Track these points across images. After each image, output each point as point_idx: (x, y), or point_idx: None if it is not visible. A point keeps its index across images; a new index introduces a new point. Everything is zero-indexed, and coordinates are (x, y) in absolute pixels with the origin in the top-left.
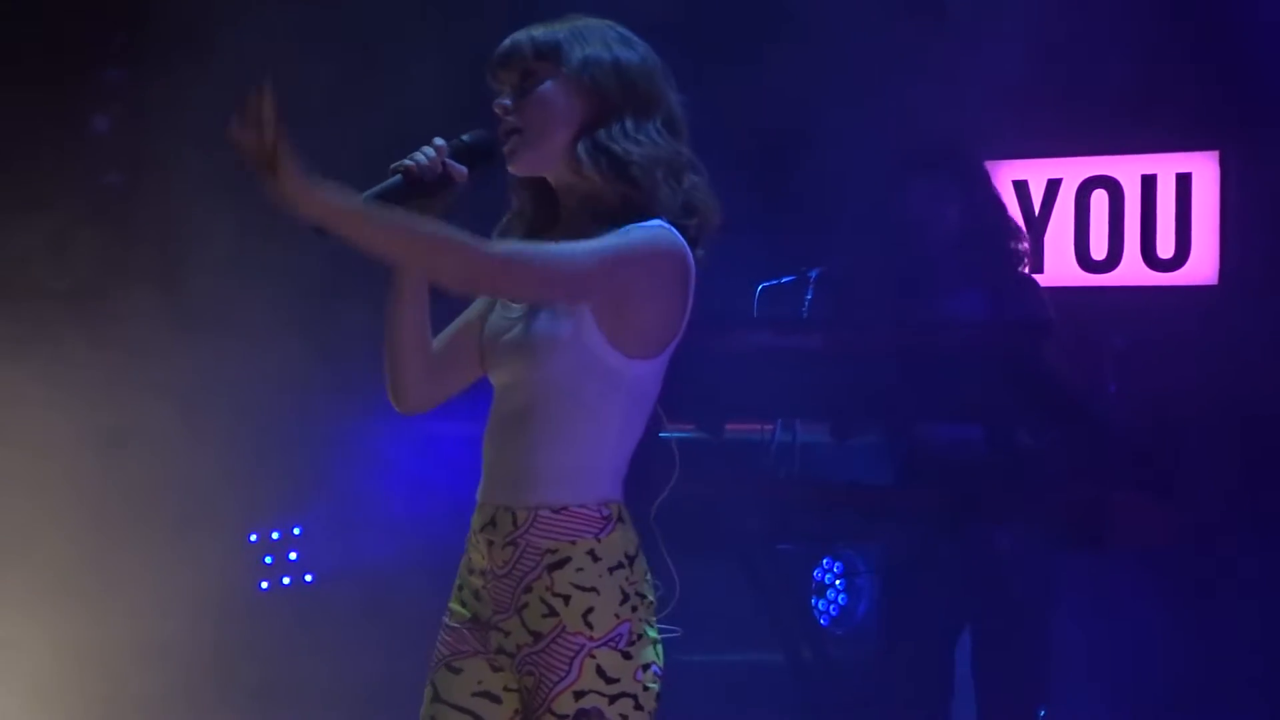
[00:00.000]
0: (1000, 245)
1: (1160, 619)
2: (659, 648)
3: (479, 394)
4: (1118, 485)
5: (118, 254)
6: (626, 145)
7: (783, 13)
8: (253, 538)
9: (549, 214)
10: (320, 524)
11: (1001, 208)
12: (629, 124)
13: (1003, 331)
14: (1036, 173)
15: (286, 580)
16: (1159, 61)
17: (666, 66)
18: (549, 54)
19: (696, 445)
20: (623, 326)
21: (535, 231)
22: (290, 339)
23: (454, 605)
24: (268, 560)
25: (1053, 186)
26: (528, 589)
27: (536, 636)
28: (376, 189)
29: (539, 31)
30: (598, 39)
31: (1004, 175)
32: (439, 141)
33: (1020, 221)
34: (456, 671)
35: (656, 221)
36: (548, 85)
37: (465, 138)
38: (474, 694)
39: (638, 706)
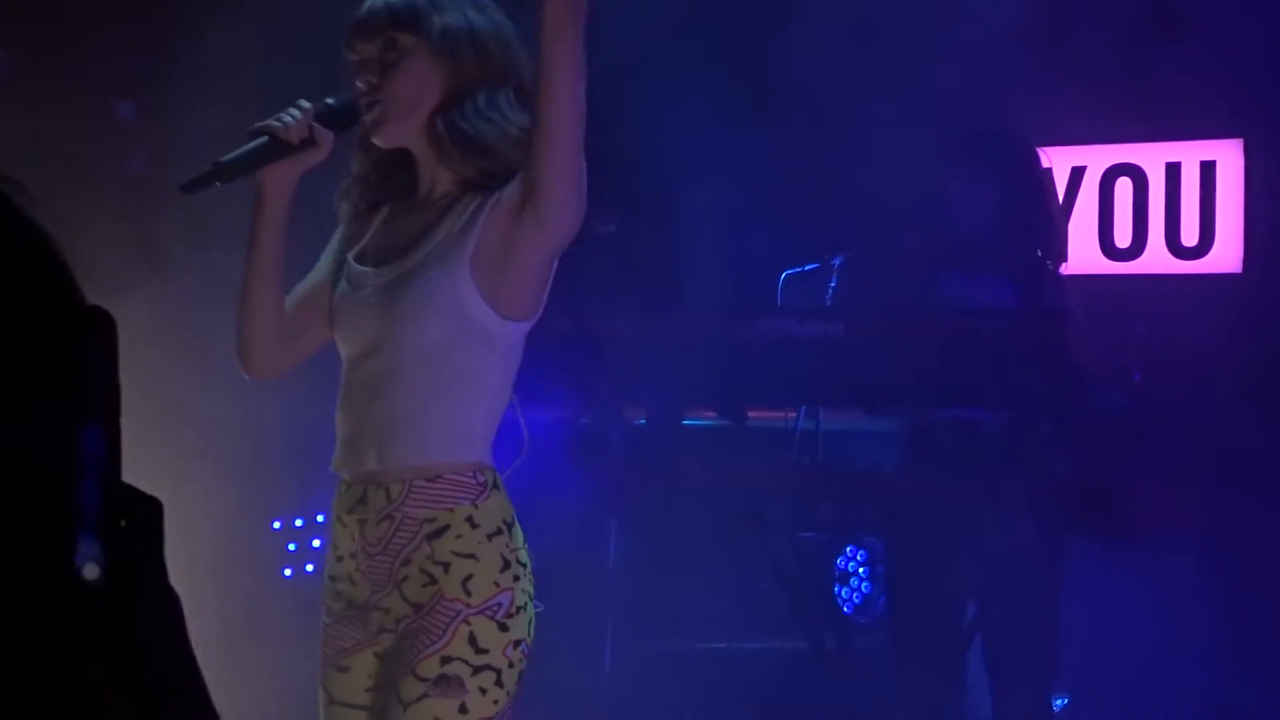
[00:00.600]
0: (1028, 237)
1: (1182, 606)
2: (533, 625)
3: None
4: (1140, 473)
5: (143, 241)
6: (478, 124)
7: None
8: (276, 524)
9: (396, 180)
10: None
11: (1040, 192)
12: (482, 98)
13: (1025, 320)
14: (1060, 160)
15: (310, 567)
16: (1183, 48)
17: (516, 31)
18: (408, 23)
19: (720, 433)
20: (500, 285)
21: (379, 196)
22: None
23: (328, 601)
24: (291, 547)
25: (1076, 174)
26: (406, 561)
27: (417, 607)
28: (240, 150)
29: (392, 2)
30: (455, 6)
31: None
32: (305, 104)
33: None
34: (345, 670)
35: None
36: (408, 55)
37: (330, 101)
38: (367, 689)
39: (499, 683)
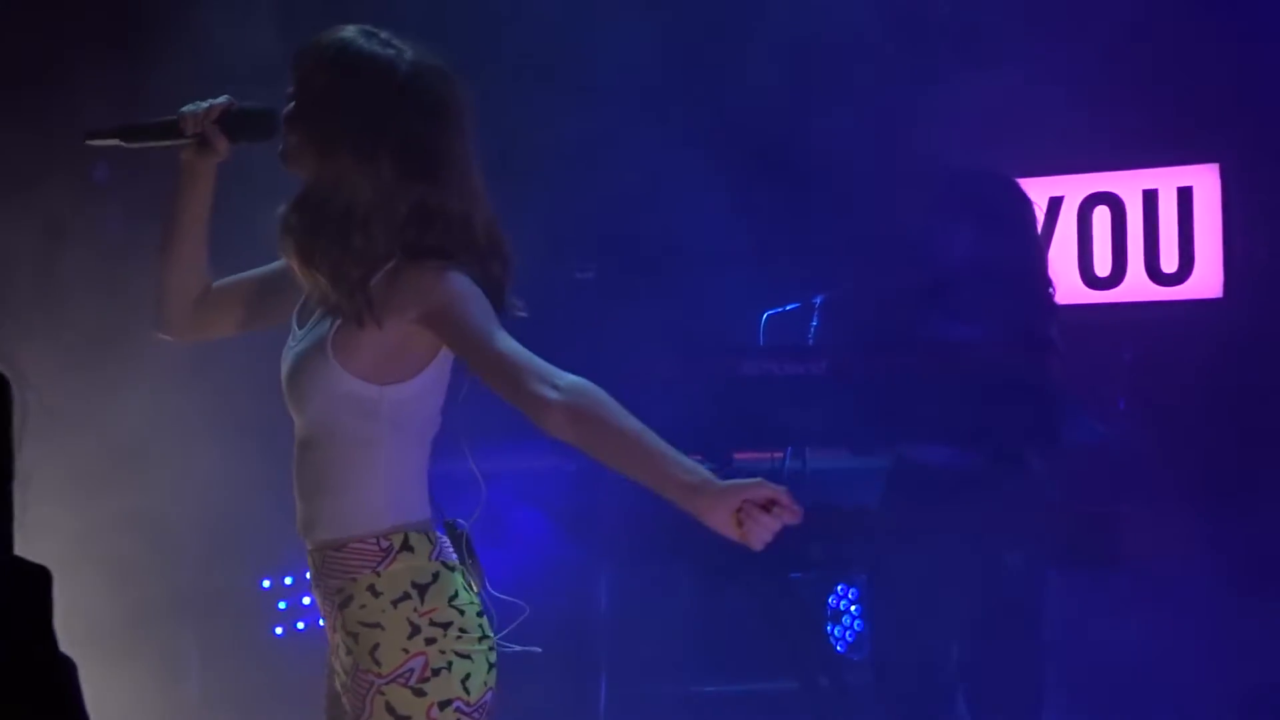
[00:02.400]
0: (1013, 266)
1: (1166, 633)
2: (483, 675)
3: (494, 434)
4: (1125, 501)
5: (122, 306)
6: (355, 178)
7: (785, 37)
8: (266, 583)
9: None
10: None
11: (1022, 228)
12: (355, 151)
13: (1006, 352)
14: (1038, 191)
15: (301, 625)
16: (1156, 75)
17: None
18: (309, 73)
19: None
20: (372, 361)
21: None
22: None
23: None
24: (281, 606)
25: (1054, 204)
26: (334, 629)
27: (348, 674)
28: (149, 120)
29: (307, 45)
30: (355, 65)
31: None
32: (223, 99)
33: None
34: None
35: (407, 266)
36: (302, 104)
37: (247, 105)
38: None
39: None
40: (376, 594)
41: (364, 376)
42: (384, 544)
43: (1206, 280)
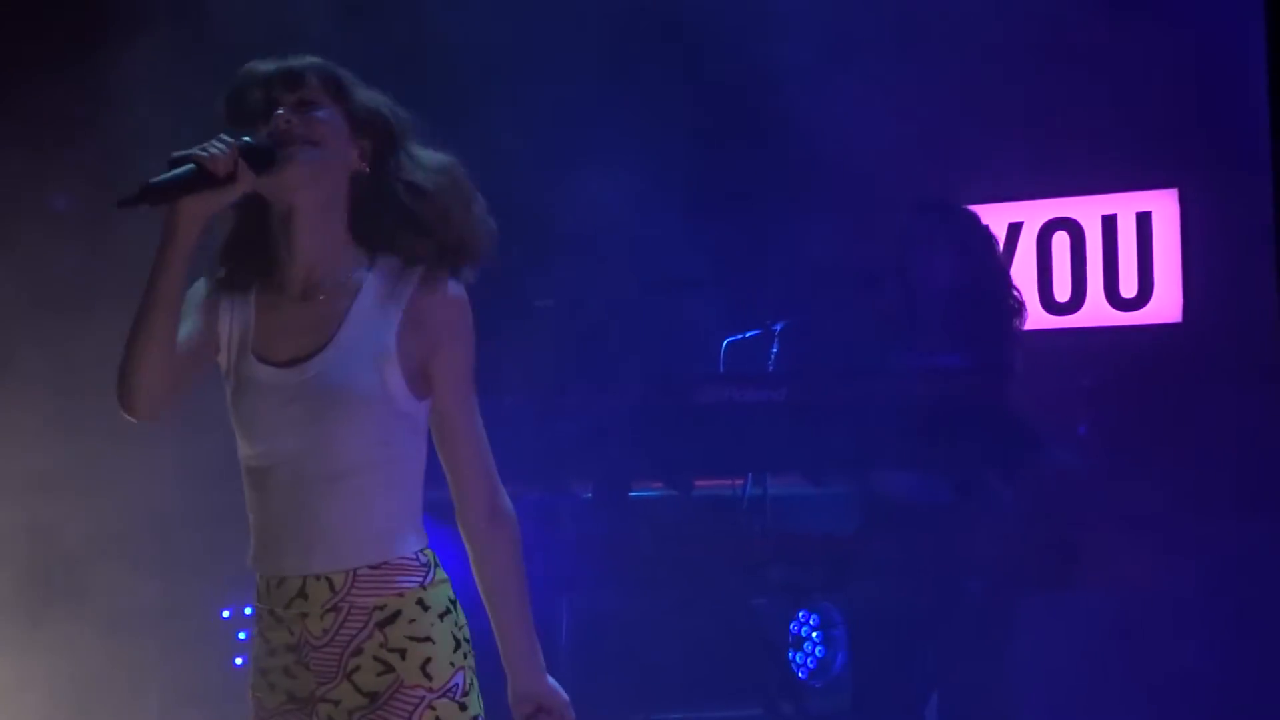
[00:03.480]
0: (985, 298)
1: (1131, 656)
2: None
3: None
4: (1087, 526)
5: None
6: (385, 200)
7: (745, 63)
8: (225, 614)
9: (259, 258)
10: None
11: (990, 262)
12: (391, 176)
13: (966, 379)
14: (997, 217)
15: None
16: (1115, 101)
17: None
18: (334, 87)
19: (667, 503)
20: (419, 373)
21: (247, 271)
22: None
23: (258, 694)
24: (241, 636)
25: (1014, 230)
26: (357, 651)
27: (373, 697)
28: (168, 175)
29: (320, 62)
30: (364, 85)
31: None
32: (228, 138)
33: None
34: None
35: (457, 288)
36: (332, 112)
37: (249, 139)
38: None
39: None
40: (425, 608)
41: (414, 393)
42: (422, 559)
43: (1166, 305)
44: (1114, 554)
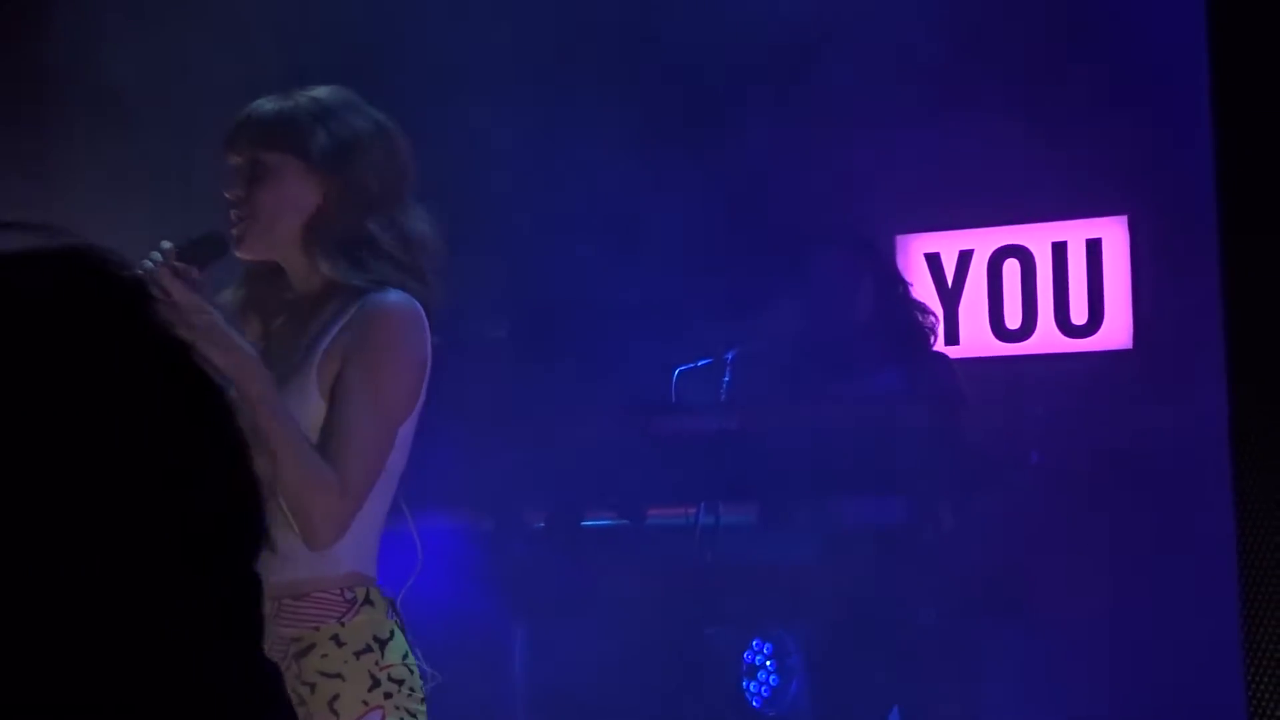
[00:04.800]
0: (911, 321)
1: (1087, 684)
2: None
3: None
4: (1040, 553)
5: None
6: (349, 242)
7: (698, 91)
8: None
9: (275, 291)
10: None
11: (907, 285)
12: (357, 215)
13: (918, 407)
14: (948, 245)
15: None
16: (1064, 128)
17: (399, 135)
18: (279, 139)
19: (620, 533)
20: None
21: (263, 307)
22: None
23: None
24: None
25: (964, 258)
26: None
27: None
28: None
29: (272, 110)
30: (335, 118)
31: (915, 248)
32: (166, 245)
33: (927, 299)
34: None
35: (396, 294)
36: (280, 171)
37: (193, 237)
38: None
39: None
40: (340, 644)
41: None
42: (348, 595)
43: (1116, 332)
44: (1063, 582)
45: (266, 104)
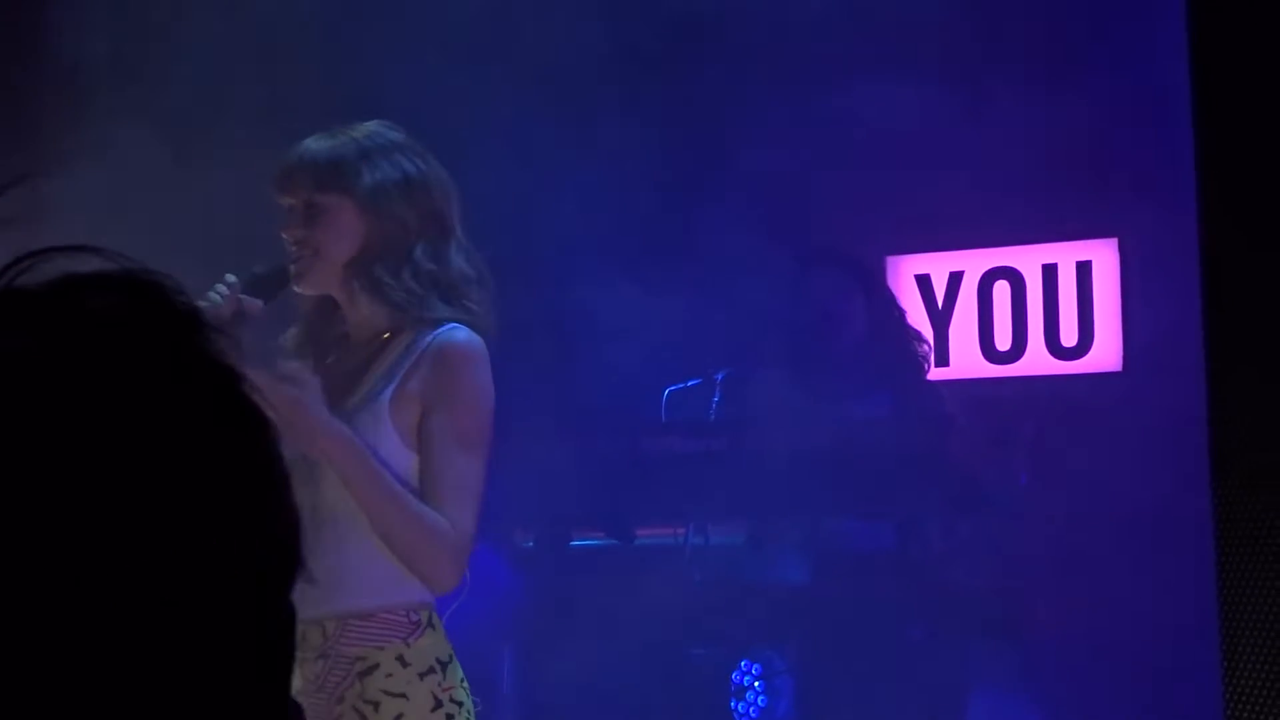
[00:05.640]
0: (903, 345)
1: (1075, 704)
2: None
3: None
4: (1030, 574)
5: None
6: (401, 276)
7: (688, 113)
8: None
9: (336, 322)
10: None
11: (901, 310)
12: (420, 249)
13: (907, 428)
14: (938, 266)
15: None
16: (1055, 151)
17: (445, 173)
18: (330, 181)
19: (609, 552)
20: (412, 428)
21: (323, 336)
22: None
23: None
24: None
25: (955, 279)
26: (339, 699)
27: None
28: None
29: (323, 151)
30: (387, 158)
31: (905, 269)
32: (230, 279)
33: (917, 320)
34: None
35: (462, 332)
36: (333, 209)
37: (257, 269)
38: None
39: None
40: (405, 664)
41: (412, 448)
42: (413, 617)
43: (1106, 354)
44: (1055, 601)
45: (316, 145)
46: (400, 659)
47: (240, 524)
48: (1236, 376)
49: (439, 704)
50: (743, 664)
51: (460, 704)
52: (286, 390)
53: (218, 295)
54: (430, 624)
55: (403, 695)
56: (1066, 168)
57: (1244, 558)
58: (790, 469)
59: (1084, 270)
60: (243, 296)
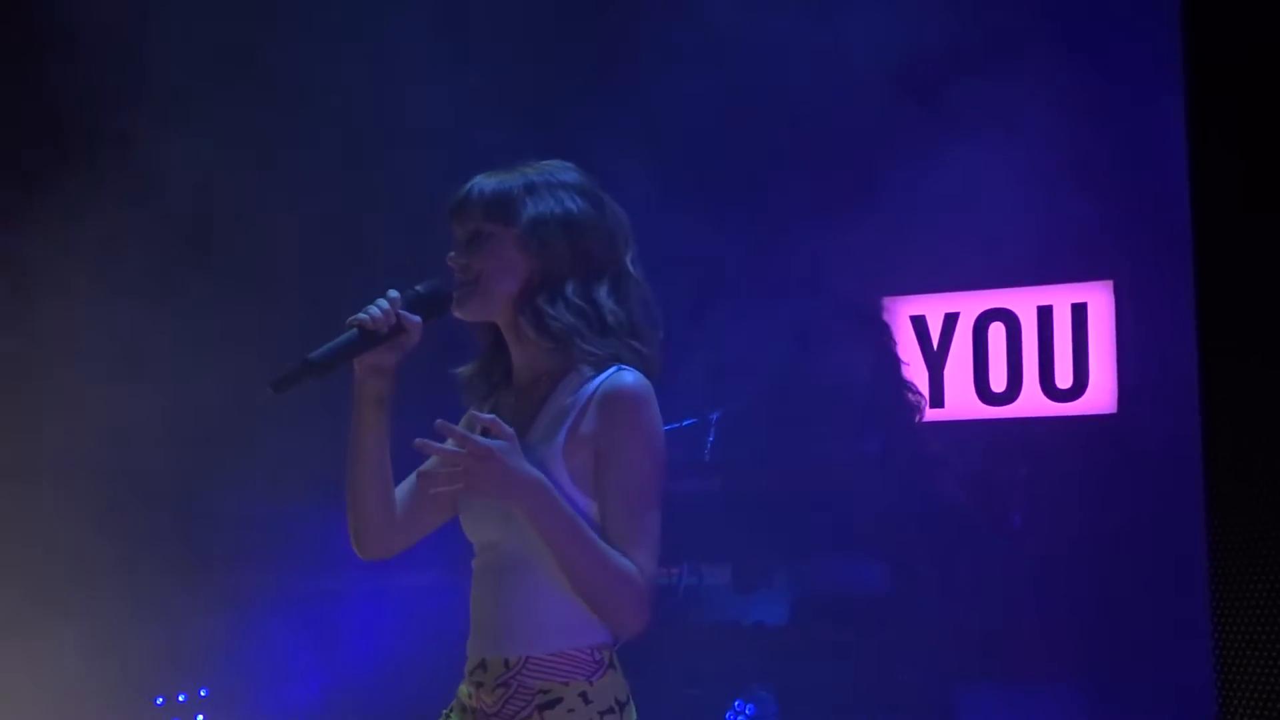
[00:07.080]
0: (900, 397)
1: None
2: None
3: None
4: (1022, 615)
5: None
6: (563, 313)
7: (689, 158)
8: (159, 701)
9: (500, 362)
10: (227, 684)
11: (902, 363)
12: (572, 287)
13: (899, 470)
14: (934, 307)
15: None
16: (1051, 193)
17: (619, 213)
18: (497, 212)
19: None
20: (590, 473)
21: (498, 376)
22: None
23: None
24: None
25: (950, 320)
26: None
27: None
28: (330, 345)
29: (491, 185)
30: (552, 194)
31: (902, 310)
32: (393, 294)
33: (912, 361)
34: None
35: (630, 375)
36: (496, 240)
37: (419, 288)
38: None
39: None
40: (588, 701)
41: (588, 494)
42: (597, 656)
43: (1100, 396)
44: (1047, 642)
45: (489, 178)
46: (584, 696)
47: None
48: (1231, 420)
49: None
50: (736, 704)
51: None
52: (480, 442)
53: (377, 309)
54: (612, 664)
55: None
56: (1063, 211)
57: (1239, 599)
58: (783, 510)
59: (1079, 312)
60: (402, 312)
